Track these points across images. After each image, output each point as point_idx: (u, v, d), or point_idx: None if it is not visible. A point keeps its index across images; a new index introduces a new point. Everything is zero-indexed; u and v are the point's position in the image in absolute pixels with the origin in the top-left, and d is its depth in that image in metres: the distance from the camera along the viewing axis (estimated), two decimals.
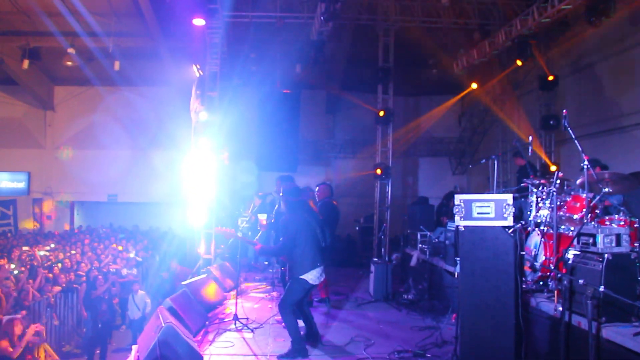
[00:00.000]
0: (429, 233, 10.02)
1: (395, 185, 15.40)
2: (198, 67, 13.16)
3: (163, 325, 5.40)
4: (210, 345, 6.57)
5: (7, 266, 12.01)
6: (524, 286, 5.85)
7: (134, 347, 5.86)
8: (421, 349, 6.34)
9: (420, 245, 10.50)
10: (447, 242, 8.92)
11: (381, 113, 13.92)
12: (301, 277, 6.26)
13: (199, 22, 11.92)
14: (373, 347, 6.49)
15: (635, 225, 5.44)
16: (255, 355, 6.23)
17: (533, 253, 6.59)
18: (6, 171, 20.66)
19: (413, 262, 10.58)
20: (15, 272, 11.59)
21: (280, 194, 7.40)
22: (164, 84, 18.08)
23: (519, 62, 12.98)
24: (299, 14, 12.94)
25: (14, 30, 16.69)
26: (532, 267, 6.54)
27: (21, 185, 20.66)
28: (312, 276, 6.29)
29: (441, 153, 20.40)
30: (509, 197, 5.10)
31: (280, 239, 6.64)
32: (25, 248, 15.19)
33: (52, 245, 16.18)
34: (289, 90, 16.94)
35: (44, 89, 20.29)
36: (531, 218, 6.94)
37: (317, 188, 9.21)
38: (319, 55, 13.65)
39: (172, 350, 5.27)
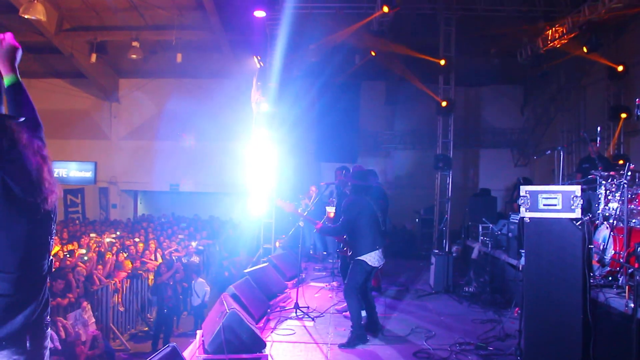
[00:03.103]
0: (491, 225, 9.86)
1: (456, 177, 15.18)
2: (259, 58, 13.33)
3: (227, 311, 5.53)
4: (272, 332, 6.69)
5: (77, 252, 12.59)
6: (591, 281, 5.70)
7: (199, 332, 6.03)
8: (483, 341, 6.25)
9: (482, 238, 10.36)
10: (510, 234, 8.76)
11: (444, 103, 13.72)
12: (360, 258, 6.40)
13: (259, 13, 12.07)
14: (434, 339, 6.45)
15: None
16: (316, 343, 6.30)
17: (601, 247, 6.39)
18: (75, 161, 21.51)
19: (474, 254, 10.45)
20: (85, 257, 12.10)
21: (337, 183, 7.58)
22: (225, 76, 18.41)
23: (585, 50, 12.53)
24: (359, 4, 12.88)
25: (83, 25, 17.40)
26: (601, 261, 6.34)
27: (88, 174, 21.49)
28: (372, 258, 6.41)
29: (503, 144, 19.91)
30: (577, 189, 4.96)
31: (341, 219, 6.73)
32: (92, 235, 15.82)
33: (118, 233, 16.77)
34: (348, 82, 16.90)
35: (110, 82, 20.99)
36: (599, 211, 6.73)
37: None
38: (378, 46, 13.56)
39: (236, 336, 5.39)
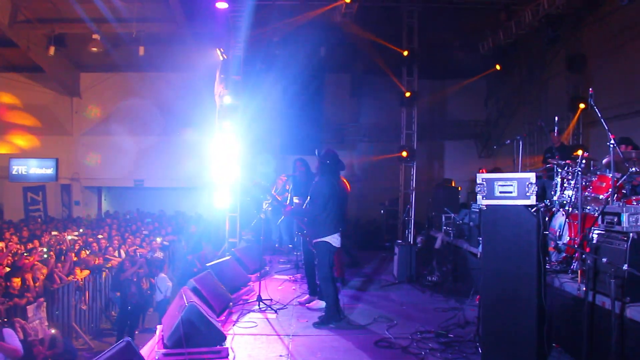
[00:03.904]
0: (453, 215, 9.97)
1: (421, 169, 15.28)
2: (222, 51, 13.20)
3: (186, 304, 5.47)
4: (234, 325, 6.64)
5: (39, 250, 12.31)
6: (547, 267, 5.79)
7: (159, 327, 5.95)
8: (444, 329, 6.30)
9: (444, 228, 10.47)
10: (471, 223, 8.89)
11: (407, 94, 13.77)
12: (325, 239, 6.66)
13: (221, 5, 11.93)
14: (396, 328, 6.48)
15: None
16: (278, 335, 6.27)
17: (557, 234, 6.52)
18: (35, 158, 20.99)
19: (437, 244, 10.55)
20: (45, 256, 11.85)
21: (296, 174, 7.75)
22: (188, 68, 18.12)
23: (544, 45, 12.74)
24: None
25: (39, 17, 16.90)
26: (557, 247, 6.47)
27: (50, 171, 20.95)
28: (335, 239, 6.70)
29: (467, 136, 20.17)
30: (531, 176, 5.01)
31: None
32: (54, 233, 15.50)
33: (81, 230, 16.46)
34: (313, 74, 16.83)
35: (70, 76, 20.51)
36: (556, 198, 6.85)
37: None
38: (343, 38, 13.54)
39: (196, 329, 5.33)
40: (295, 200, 7.86)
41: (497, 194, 5.14)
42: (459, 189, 13.62)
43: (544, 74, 16.31)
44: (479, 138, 20.08)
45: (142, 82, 19.52)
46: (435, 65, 16.65)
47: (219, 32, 13.14)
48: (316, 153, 7.19)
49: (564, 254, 6.23)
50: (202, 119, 15.87)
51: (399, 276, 9.48)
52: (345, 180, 8.65)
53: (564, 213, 6.50)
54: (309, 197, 7.01)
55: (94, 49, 16.80)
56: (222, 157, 12.27)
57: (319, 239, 6.74)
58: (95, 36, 16.41)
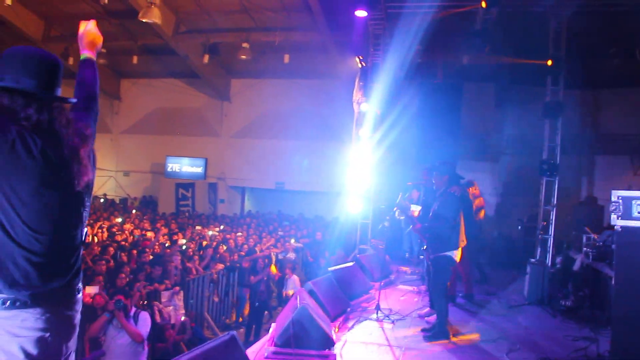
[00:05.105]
0: (593, 235, 9.17)
1: (566, 185, 14.21)
2: (361, 58, 13.34)
3: (298, 306, 5.56)
4: (347, 331, 6.63)
5: (179, 242, 13.22)
6: None
7: (273, 325, 6.11)
8: None
9: (584, 249, 9.66)
10: (613, 246, 8.10)
11: (549, 103, 12.92)
12: (447, 253, 6.54)
13: (361, 13, 12.07)
14: (517, 352, 6.07)
15: None
16: (390, 345, 6.16)
17: None
18: (188, 157, 22.66)
19: (576, 266, 9.78)
20: (184, 247, 12.67)
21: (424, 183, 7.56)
22: (330, 76, 18.62)
23: None
24: (463, 2, 12.44)
25: (197, 28, 18.28)
26: None
27: (199, 170, 22.52)
28: (456, 254, 6.58)
29: (622, 151, 18.44)
30: None
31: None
32: (198, 227, 16.54)
33: (222, 227, 17.40)
34: (452, 83, 16.45)
35: (222, 82, 21.89)
36: None
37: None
38: (484, 45, 13.06)
39: (305, 331, 5.40)
40: (414, 207, 7.70)
41: (636, 214, 4.66)
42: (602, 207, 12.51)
43: None
44: (636, 153, 18.29)
45: (286, 88, 20.37)
46: (587, 75, 15.44)
47: (359, 39, 13.28)
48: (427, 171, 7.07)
49: None
50: (341, 125, 16.11)
51: (528, 297, 8.91)
52: (477, 190, 8.34)
53: None
54: (432, 211, 6.85)
55: (243, 57, 17.80)
56: (358, 164, 12.38)
57: (441, 254, 6.56)
58: (244, 45, 17.45)
